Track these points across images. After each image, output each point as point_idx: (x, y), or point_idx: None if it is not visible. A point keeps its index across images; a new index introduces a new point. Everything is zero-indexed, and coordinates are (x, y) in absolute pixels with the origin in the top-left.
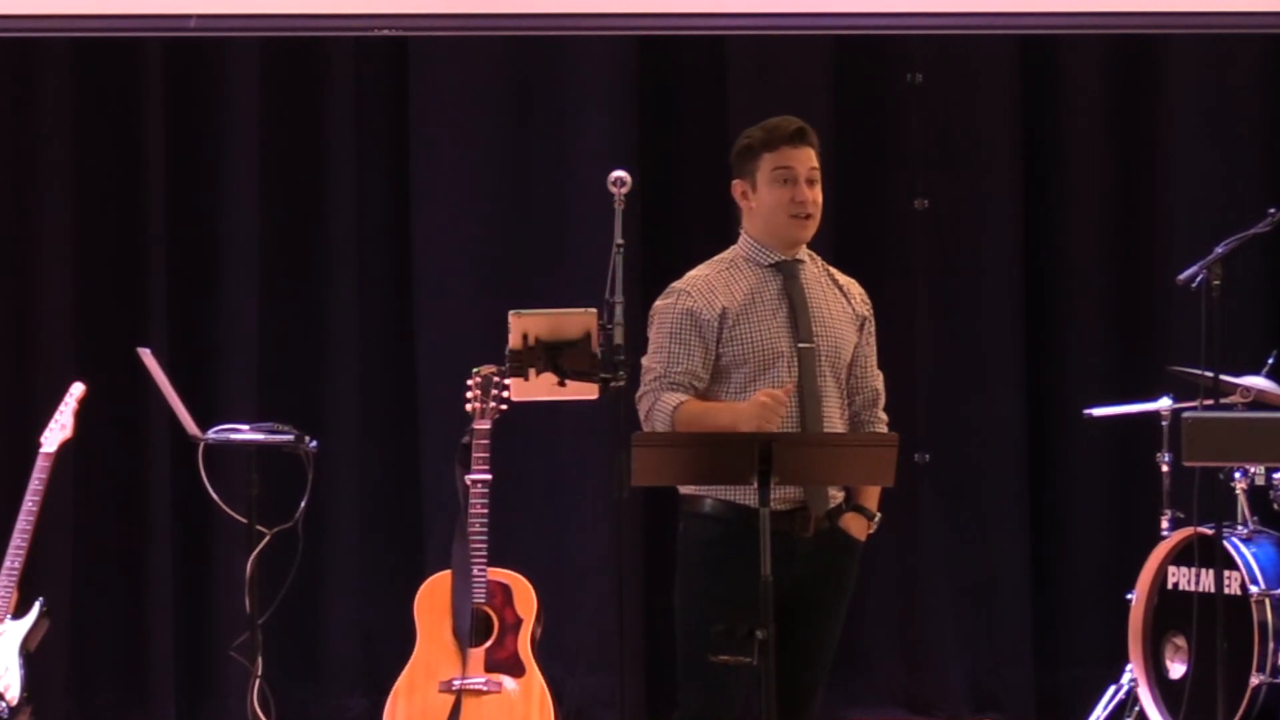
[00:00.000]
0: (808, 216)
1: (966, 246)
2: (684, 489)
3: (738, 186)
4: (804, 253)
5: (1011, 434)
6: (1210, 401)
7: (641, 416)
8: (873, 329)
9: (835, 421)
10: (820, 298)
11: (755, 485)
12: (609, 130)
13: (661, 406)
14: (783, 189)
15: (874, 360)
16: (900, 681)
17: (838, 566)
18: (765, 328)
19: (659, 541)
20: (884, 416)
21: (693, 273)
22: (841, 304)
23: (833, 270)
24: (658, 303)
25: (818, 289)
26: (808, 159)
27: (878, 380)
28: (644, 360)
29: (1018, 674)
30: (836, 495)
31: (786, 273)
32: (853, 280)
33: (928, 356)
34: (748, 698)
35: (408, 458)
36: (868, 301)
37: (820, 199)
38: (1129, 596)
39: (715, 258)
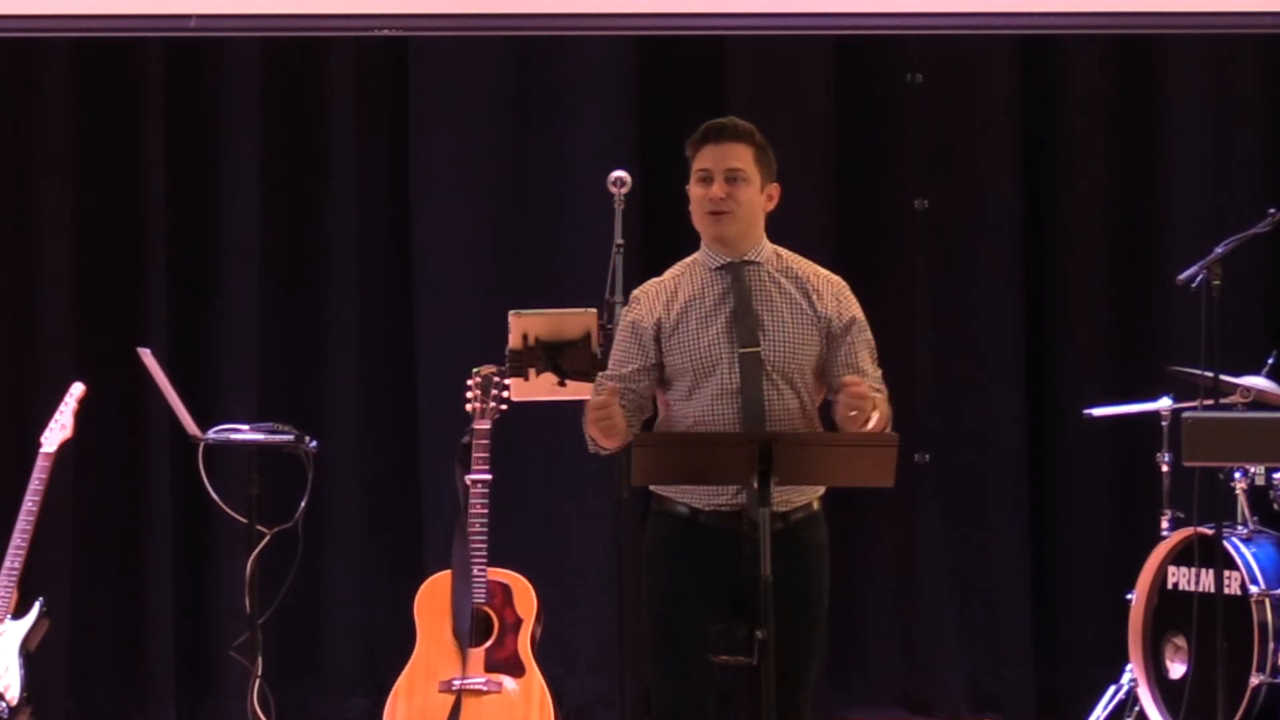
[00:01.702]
0: (727, 213)
1: (966, 246)
2: (653, 486)
3: (689, 192)
4: (764, 253)
5: (1011, 434)
6: (1210, 401)
7: None
8: (855, 326)
9: (795, 425)
10: (772, 300)
11: (755, 485)
12: (609, 130)
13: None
14: (701, 187)
15: (865, 356)
16: (900, 681)
17: (799, 569)
18: (702, 334)
19: None
20: (882, 390)
21: (656, 278)
22: (799, 306)
23: (807, 269)
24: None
25: (772, 291)
26: (727, 155)
27: (874, 377)
28: None
29: (1018, 674)
30: (795, 501)
31: (734, 275)
32: (835, 278)
33: (928, 356)
34: (741, 700)
35: (408, 458)
36: (845, 299)
37: (744, 195)
38: (1129, 596)
39: (681, 261)
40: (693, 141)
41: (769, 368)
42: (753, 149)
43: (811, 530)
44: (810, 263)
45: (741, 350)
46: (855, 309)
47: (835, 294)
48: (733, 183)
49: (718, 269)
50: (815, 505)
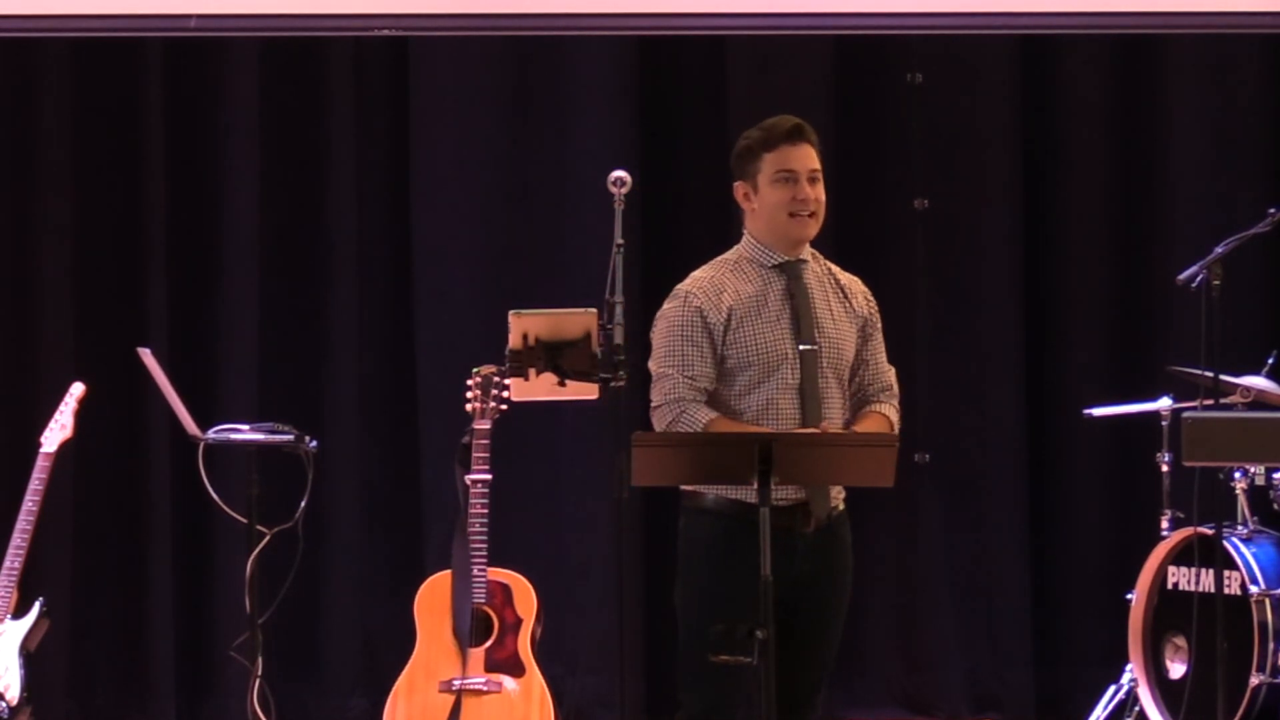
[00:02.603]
0: (810, 215)
1: (966, 246)
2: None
3: (739, 189)
4: (807, 252)
5: (1011, 434)
6: (1210, 401)
7: (661, 427)
8: (879, 326)
9: (837, 423)
10: (822, 299)
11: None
12: (609, 130)
13: (689, 421)
14: (784, 188)
15: (883, 357)
16: (900, 681)
17: (838, 565)
18: (769, 330)
19: (659, 541)
20: (893, 402)
21: (696, 274)
22: (843, 305)
23: (835, 269)
24: (665, 306)
25: (820, 290)
26: (807, 157)
27: (889, 375)
28: (652, 365)
29: (1018, 674)
30: (838, 495)
31: (790, 273)
32: (855, 278)
33: (927, 356)
34: (749, 698)
35: (408, 458)
36: (871, 299)
37: (823, 197)
38: (1129, 596)
39: (718, 259)
40: (762, 143)
41: (824, 364)
42: (816, 148)
43: (844, 527)
44: (832, 263)
45: (803, 347)
46: (878, 314)
47: (863, 294)
48: (814, 184)
49: (774, 267)
50: (841, 505)
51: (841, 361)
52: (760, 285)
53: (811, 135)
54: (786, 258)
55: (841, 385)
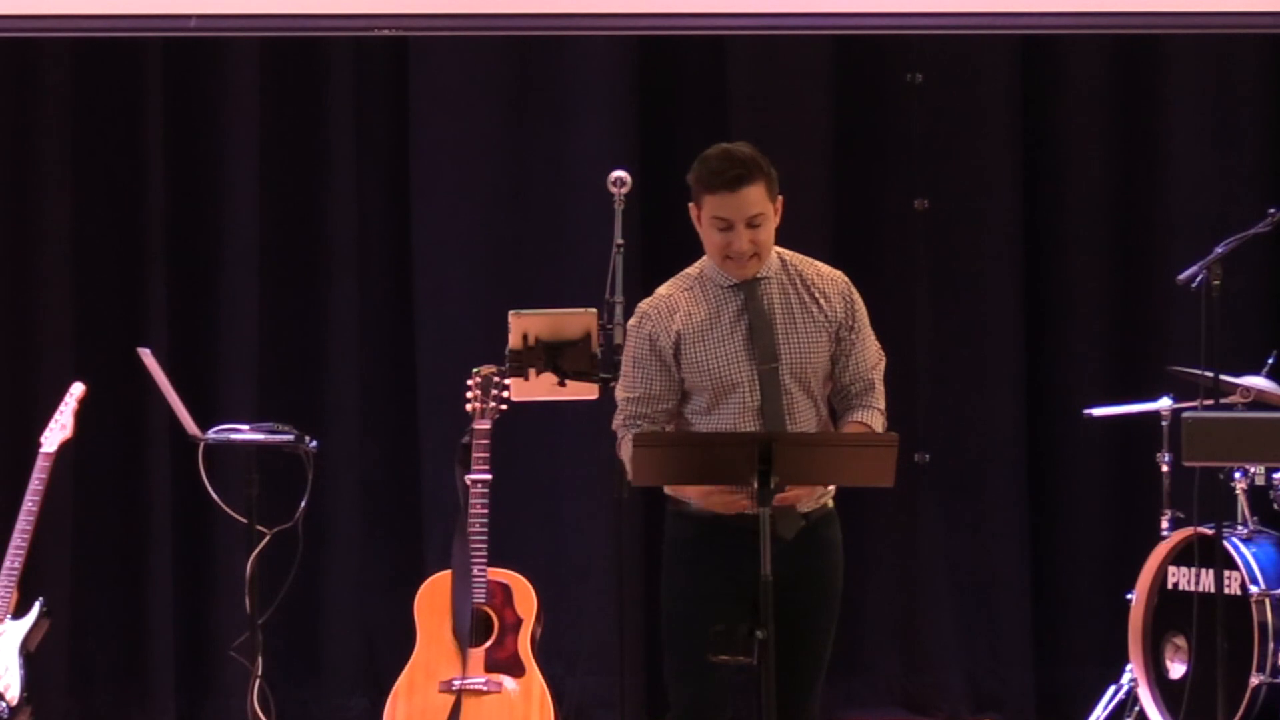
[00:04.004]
0: (752, 256)
1: (966, 246)
2: (667, 489)
3: (692, 210)
4: (773, 265)
5: (1011, 434)
6: (1210, 401)
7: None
8: (861, 323)
9: (811, 429)
10: (784, 313)
11: (755, 486)
12: (609, 130)
13: (624, 446)
14: (719, 235)
15: (867, 354)
16: (900, 681)
17: (817, 568)
18: (720, 352)
19: (659, 541)
20: (876, 405)
21: (660, 290)
22: (810, 314)
23: (808, 271)
24: (628, 323)
25: (783, 303)
26: (746, 204)
27: (873, 373)
28: (616, 386)
29: (1018, 674)
30: (825, 495)
31: (747, 293)
32: (836, 275)
33: (928, 356)
34: (744, 699)
35: (408, 458)
36: (851, 296)
37: (767, 233)
38: (1129, 596)
39: (683, 272)
40: (703, 184)
41: (787, 381)
42: (764, 183)
43: (830, 527)
44: (811, 261)
45: (761, 368)
46: (859, 308)
47: (840, 294)
48: (754, 228)
49: (731, 287)
50: (830, 504)
51: (807, 371)
52: (714, 306)
53: (754, 172)
54: (742, 277)
55: (811, 395)
